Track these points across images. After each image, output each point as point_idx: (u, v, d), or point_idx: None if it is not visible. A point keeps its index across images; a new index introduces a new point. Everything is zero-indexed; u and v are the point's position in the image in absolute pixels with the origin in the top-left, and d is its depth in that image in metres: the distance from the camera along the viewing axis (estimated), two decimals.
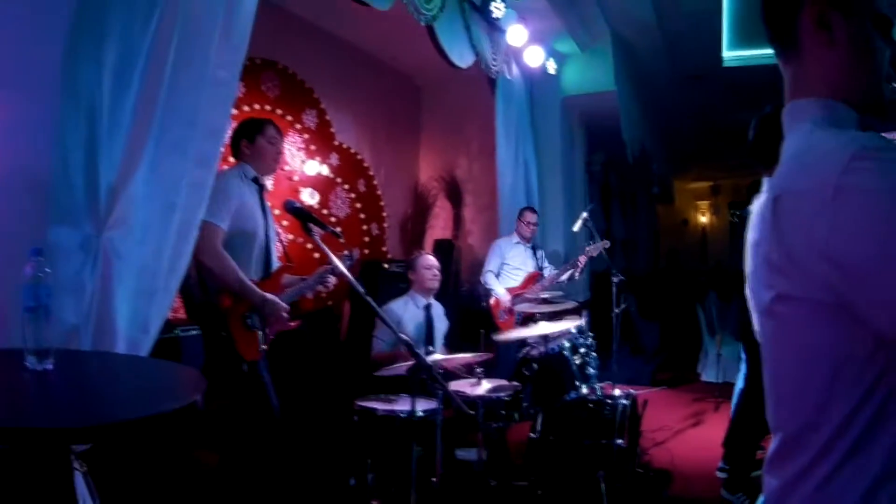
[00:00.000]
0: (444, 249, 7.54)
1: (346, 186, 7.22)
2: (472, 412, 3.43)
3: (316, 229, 2.89)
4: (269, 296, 3.35)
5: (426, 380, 3.02)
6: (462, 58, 5.65)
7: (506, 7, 5.78)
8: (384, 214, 7.79)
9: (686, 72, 9.27)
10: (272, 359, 3.47)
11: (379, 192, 7.70)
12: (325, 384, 4.70)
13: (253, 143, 3.63)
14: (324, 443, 4.12)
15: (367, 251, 7.43)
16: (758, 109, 11.19)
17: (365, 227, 7.52)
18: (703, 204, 19.17)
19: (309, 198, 6.72)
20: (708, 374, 7.85)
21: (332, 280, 3.58)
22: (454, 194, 8.12)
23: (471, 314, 6.22)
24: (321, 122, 6.87)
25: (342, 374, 4.84)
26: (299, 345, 4.42)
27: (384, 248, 7.74)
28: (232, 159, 3.71)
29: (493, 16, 5.74)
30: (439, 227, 8.24)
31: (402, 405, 3.58)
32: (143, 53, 2.56)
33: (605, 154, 10.95)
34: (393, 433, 3.50)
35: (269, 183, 5.97)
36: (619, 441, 3.74)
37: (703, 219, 19.12)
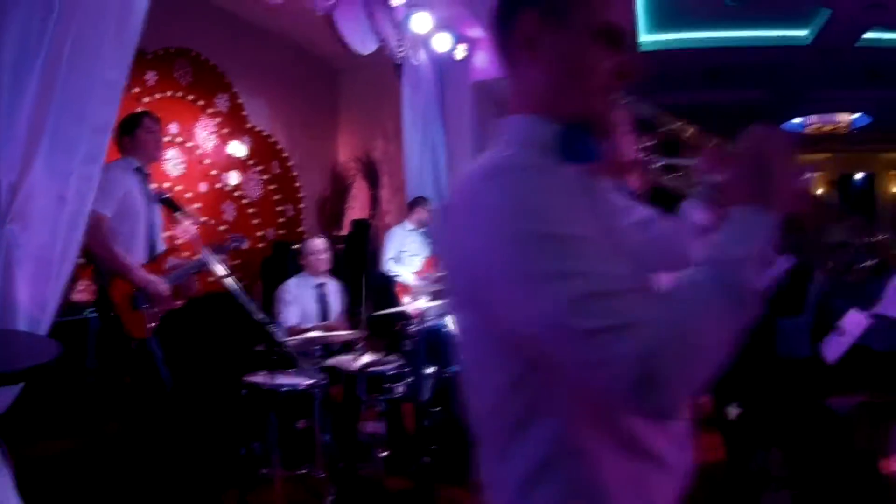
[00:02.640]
0: (360, 229, 7.76)
1: (260, 168, 7.39)
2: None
3: (183, 218, 3.21)
4: (151, 277, 3.71)
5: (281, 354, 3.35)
6: (364, 45, 5.85)
7: None
8: (300, 195, 7.97)
9: None
10: (172, 336, 3.78)
11: (294, 174, 7.87)
12: (219, 360, 4.91)
13: (133, 137, 3.92)
14: (215, 415, 4.35)
15: (282, 231, 7.61)
16: (674, 91, 11.68)
17: (279, 209, 7.69)
18: None
19: (231, 180, 6.97)
20: None
21: (218, 267, 3.73)
22: (371, 175, 8.32)
23: (387, 292, 6.43)
24: (233, 105, 7.05)
25: (237, 351, 5.00)
26: (199, 323, 4.62)
27: (300, 229, 7.92)
28: None
29: (391, 4, 5.91)
30: (358, 207, 8.42)
31: (286, 379, 3.87)
32: (40, 55, 2.72)
33: None
34: (277, 406, 3.77)
35: (176, 168, 6.14)
36: None
37: None
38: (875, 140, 18.07)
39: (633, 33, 1.30)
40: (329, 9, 5.33)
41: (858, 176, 20.03)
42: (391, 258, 6.35)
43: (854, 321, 3.78)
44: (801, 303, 9.66)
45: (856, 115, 14.62)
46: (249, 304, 3.31)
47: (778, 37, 9.57)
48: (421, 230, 6.38)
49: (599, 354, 0.96)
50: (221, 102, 6.89)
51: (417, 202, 6.48)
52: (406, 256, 6.35)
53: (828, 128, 14.45)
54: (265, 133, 7.50)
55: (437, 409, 4.33)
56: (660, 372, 0.94)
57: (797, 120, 14.74)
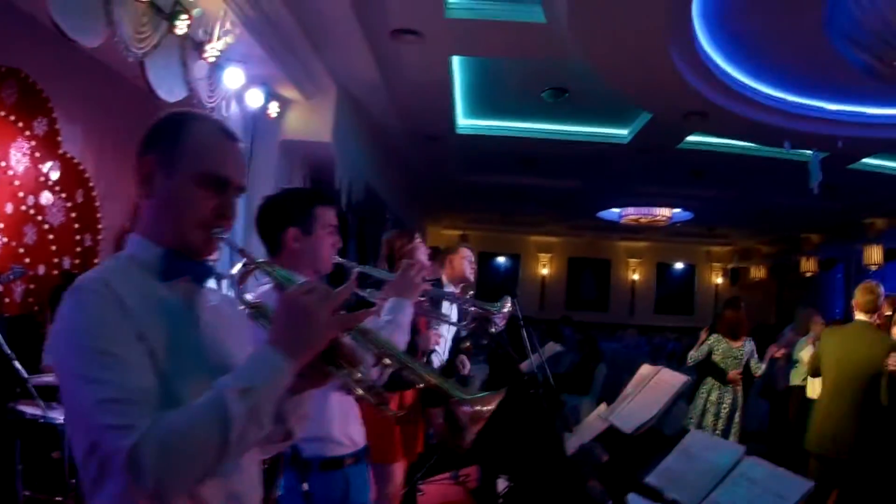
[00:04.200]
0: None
1: (64, 195, 7.28)
2: None
3: None
4: None
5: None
6: (171, 93, 5.96)
7: (219, 52, 6.10)
8: (100, 227, 7.87)
9: (422, 133, 9.98)
10: None
11: (97, 204, 7.77)
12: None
13: None
14: None
15: (77, 261, 7.48)
16: (490, 172, 12.27)
17: (78, 237, 7.57)
18: None
19: (45, 201, 6.91)
20: None
21: None
22: None
23: None
24: (50, 130, 6.97)
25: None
26: None
27: (96, 261, 7.79)
28: None
29: (207, 59, 6.07)
30: None
31: (38, 410, 3.97)
32: None
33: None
34: (28, 435, 3.92)
35: None
36: None
37: None
38: (695, 234, 19.14)
39: (237, 182, 1.57)
40: (141, 56, 5.40)
41: (679, 265, 21.24)
42: None
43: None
44: (589, 385, 10.21)
45: (676, 210, 15.47)
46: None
47: (598, 133, 10.18)
48: None
49: (110, 444, 1.29)
50: (39, 126, 6.83)
51: None
52: None
53: (645, 220, 15.28)
54: (76, 160, 7.41)
55: None
56: (142, 465, 1.24)
57: (615, 210, 15.56)
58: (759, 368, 6.67)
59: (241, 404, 1.29)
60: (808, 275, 17.36)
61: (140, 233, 1.56)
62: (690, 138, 9.78)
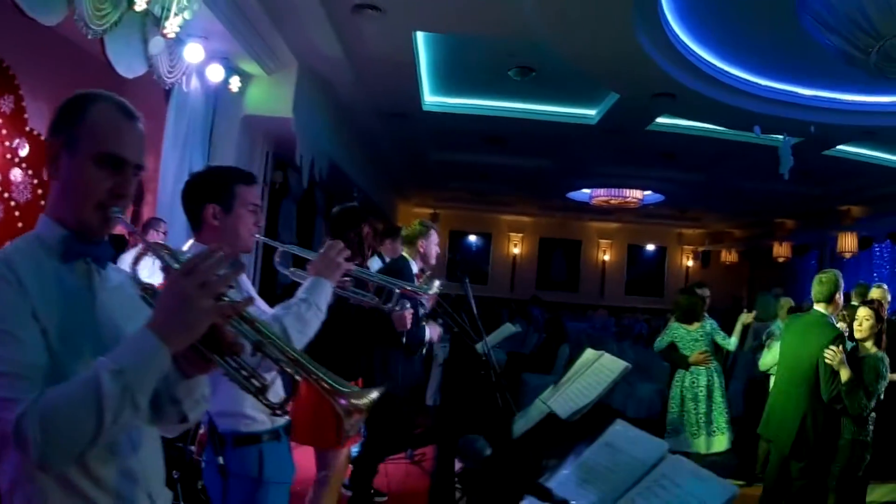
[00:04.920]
0: (117, 243, 7.63)
1: (31, 172, 7.18)
2: None
3: None
4: None
5: None
6: (130, 69, 5.85)
7: (180, 28, 5.95)
8: None
9: (388, 110, 9.87)
10: None
11: None
12: None
13: None
14: None
15: None
16: (459, 151, 12.13)
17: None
18: None
19: (14, 178, 6.85)
20: None
21: None
22: (137, 190, 8.16)
23: None
24: (17, 108, 6.91)
25: None
26: None
27: None
28: None
29: (166, 35, 5.92)
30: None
31: None
32: None
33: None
34: None
35: None
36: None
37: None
38: (666, 216, 19.18)
39: (133, 161, 1.61)
40: (101, 33, 5.27)
41: (650, 247, 21.32)
42: None
43: None
44: (553, 364, 10.24)
45: (647, 193, 15.47)
46: None
47: (566, 113, 10.12)
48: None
49: (1, 416, 1.35)
50: (6, 103, 6.72)
51: (150, 223, 6.48)
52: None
53: (616, 201, 15.28)
54: (43, 137, 7.28)
55: None
56: (26, 436, 1.31)
57: (586, 190, 15.54)
58: (727, 343, 6.61)
59: (114, 384, 1.34)
60: (781, 260, 17.45)
61: (47, 213, 1.61)
62: (661, 120, 9.72)
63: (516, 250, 20.82)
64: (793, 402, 4.89)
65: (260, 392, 1.53)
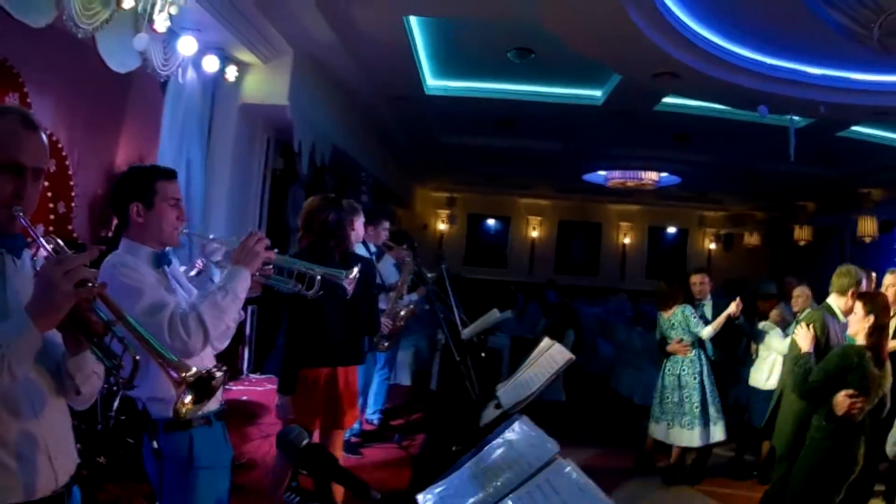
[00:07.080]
0: (120, 233, 7.73)
1: None
2: None
3: None
4: None
5: None
6: (123, 65, 5.96)
7: (169, 22, 6.01)
8: (73, 195, 7.86)
9: (390, 93, 9.90)
10: None
11: (70, 172, 7.76)
12: None
13: None
14: None
15: (51, 228, 7.49)
16: (468, 134, 12.04)
17: (51, 206, 7.58)
18: (443, 212, 20.25)
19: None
20: None
21: None
22: None
23: None
24: (21, 104, 6.97)
25: None
26: None
27: (70, 227, 7.82)
28: None
29: (156, 29, 5.99)
30: None
31: None
32: None
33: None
34: None
35: None
36: None
37: (442, 226, 20.21)
38: (687, 199, 18.91)
39: (32, 166, 1.89)
40: (91, 32, 5.35)
41: (671, 230, 21.05)
42: None
43: None
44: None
45: (663, 174, 15.27)
46: None
47: (571, 94, 10.06)
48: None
49: None
50: (11, 101, 6.81)
51: None
52: None
53: (632, 183, 15.11)
54: (49, 131, 7.38)
55: None
56: None
57: (601, 173, 15.39)
58: (698, 331, 6.26)
59: None
60: (802, 243, 17.11)
61: None
62: (669, 100, 9.60)
63: (535, 234, 20.71)
64: (788, 405, 4.68)
65: (130, 382, 1.79)
